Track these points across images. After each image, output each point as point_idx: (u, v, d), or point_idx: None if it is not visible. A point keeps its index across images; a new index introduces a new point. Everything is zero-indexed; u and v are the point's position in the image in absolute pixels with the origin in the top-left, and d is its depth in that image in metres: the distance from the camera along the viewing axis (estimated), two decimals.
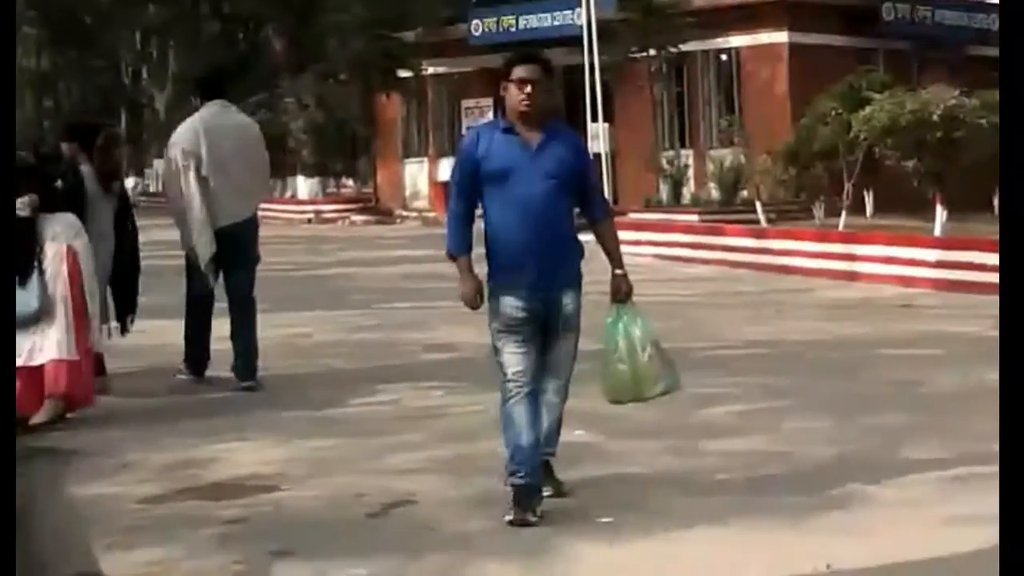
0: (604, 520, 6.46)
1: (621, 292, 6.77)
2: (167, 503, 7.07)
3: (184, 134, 10.61)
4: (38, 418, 8.91)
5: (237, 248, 10.58)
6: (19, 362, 8.64)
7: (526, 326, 6.55)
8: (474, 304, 6.65)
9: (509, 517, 6.42)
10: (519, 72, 6.61)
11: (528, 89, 6.56)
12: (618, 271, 6.79)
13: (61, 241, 9.05)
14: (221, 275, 10.66)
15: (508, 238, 6.55)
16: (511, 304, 6.52)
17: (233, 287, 10.69)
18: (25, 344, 8.78)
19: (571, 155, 6.71)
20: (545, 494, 6.63)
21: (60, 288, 9.00)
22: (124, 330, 10.14)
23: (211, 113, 10.70)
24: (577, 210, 6.82)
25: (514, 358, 6.55)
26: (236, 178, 10.52)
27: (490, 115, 36.57)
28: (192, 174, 10.37)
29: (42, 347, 8.97)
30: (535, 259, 6.50)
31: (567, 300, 6.62)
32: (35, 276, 8.92)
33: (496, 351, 6.61)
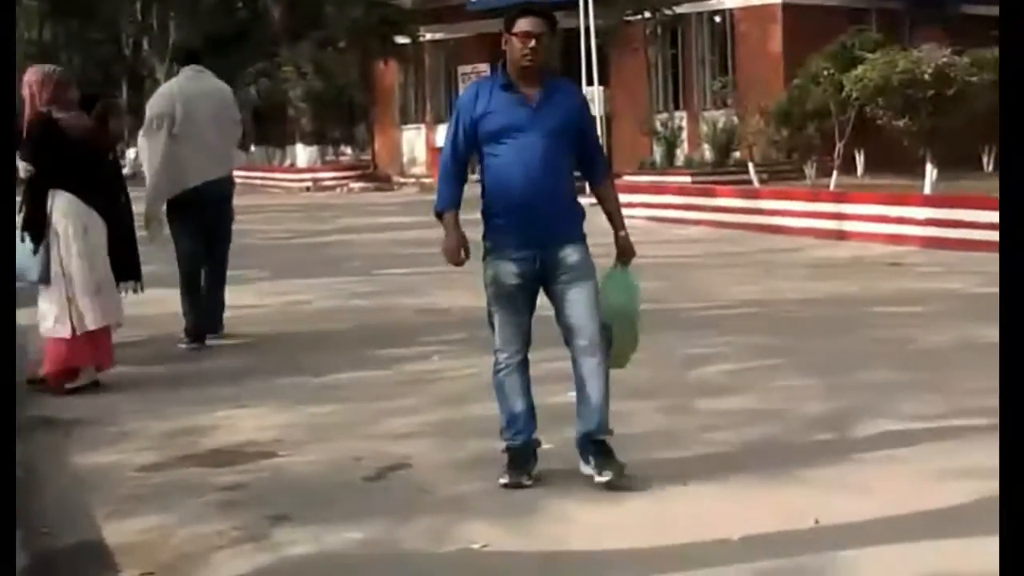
0: (597, 480, 6.48)
1: (629, 252, 6.65)
2: (166, 470, 7.15)
3: (158, 97, 11.21)
4: (73, 384, 9.26)
5: (212, 207, 11.09)
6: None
7: (520, 293, 6.46)
8: (457, 259, 6.49)
9: (503, 480, 6.47)
10: (523, 25, 6.38)
11: (532, 43, 6.34)
12: (622, 232, 6.64)
13: (57, 221, 9.16)
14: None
15: (506, 196, 6.39)
16: (506, 269, 6.43)
17: (213, 244, 11.18)
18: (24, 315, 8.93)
19: (573, 111, 6.55)
20: (604, 479, 6.39)
21: (61, 267, 9.14)
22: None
23: (186, 77, 11.25)
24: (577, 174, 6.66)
25: (506, 328, 6.50)
26: (209, 139, 11.01)
27: None
28: (164, 132, 10.85)
29: (43, 320, 9.17)
30: (532, 217, 6.35)
31: (567, 252, 6.43)
32: (42, 247, 9.08)
33: (489, 315, 6.58)
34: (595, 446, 6.52)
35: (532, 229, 6.39)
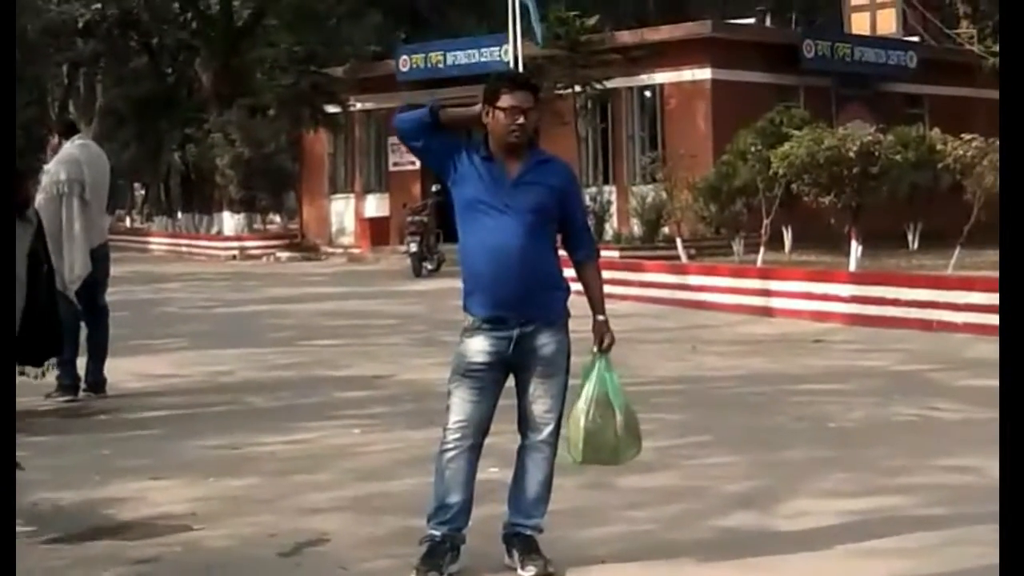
0: (520, 574, 6.30)
1: (607, 340, 6.32)
2: (78, 543, 7.02)
3: (67, 164, 11.54)
4: None
5: (102, 266, 11.69)
6: None
7: (486, 372, 6.11)
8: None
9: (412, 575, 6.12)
10: (510, 100, 6.04)
11: (520, 119, 6.03)
12: (599, 316, 6.32)
13: None
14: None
15: (480, 276, 6.08)
16: (477, 347, 6.10)
17: (99, 301, 11.76)
18: None
19: (555, 190, 6.15)
20: (527, 574, 6.15)
21: None
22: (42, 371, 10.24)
23: (82, 145, 11.87)
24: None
25: (462, 405, 6.12)
26: (101, 202, 11.77)
27: None
28: (76, 199, 11.34)
29: None
30: (507, 298, 6.03)
31: (544, 340, 6.13)
32: None
33: (448, 394, 6.20)
34: (521, 540, 6.32)
35: (507, 309, 6.07)
